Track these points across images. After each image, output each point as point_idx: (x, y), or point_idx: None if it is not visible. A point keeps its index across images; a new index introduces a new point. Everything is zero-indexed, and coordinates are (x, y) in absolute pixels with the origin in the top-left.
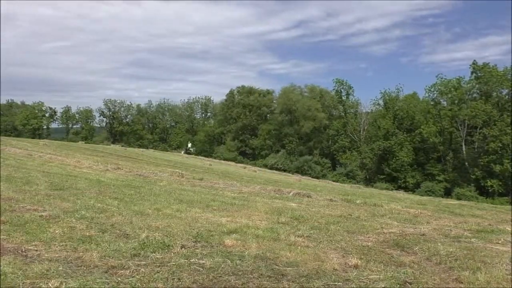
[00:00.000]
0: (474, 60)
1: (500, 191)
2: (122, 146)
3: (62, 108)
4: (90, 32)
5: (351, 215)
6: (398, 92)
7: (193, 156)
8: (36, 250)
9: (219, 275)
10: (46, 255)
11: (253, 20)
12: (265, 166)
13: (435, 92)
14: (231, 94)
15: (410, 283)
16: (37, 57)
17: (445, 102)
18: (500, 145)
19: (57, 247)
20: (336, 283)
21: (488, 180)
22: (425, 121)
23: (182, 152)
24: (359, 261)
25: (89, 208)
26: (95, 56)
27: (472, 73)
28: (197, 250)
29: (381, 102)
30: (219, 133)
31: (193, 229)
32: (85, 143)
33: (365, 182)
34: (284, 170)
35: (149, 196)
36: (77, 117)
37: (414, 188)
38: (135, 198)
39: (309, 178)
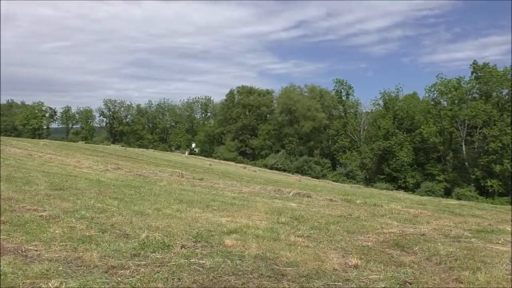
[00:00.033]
0: (475, 60)
1: (500, 191)
2: (122, 146)
3: (62, 108)
4: (90, 32)
5: (351, 215)
6: (398, 92)
7: (193, 156)
8: (36, 250)
9: (219, 275)
10: (46, 255)
11: (253, 20)
12: (265, 166)
13: (435, 92)
14: (231, 94)
15: (410, 283)
16: (37, 57)
17: (445, 102)
18: (500, 145)
19: (57, 247)
20: (336, 283)
21: (488, 180)
22: (425, 121)
23: (186, 153)
24: (359, 261)
25: (89, 208)
26: (95, 56)
27: (472, 73)
28: (197, 250)
29: (381, 102)
30: (219, 133)
31: (193, 229)
32: (85, 143)
33: (365, 182)
34: (284, 170)
35: (149, 196)
36: (77, 117)
37: (414, 188)
38: (135, 198)
39: (309, 178)
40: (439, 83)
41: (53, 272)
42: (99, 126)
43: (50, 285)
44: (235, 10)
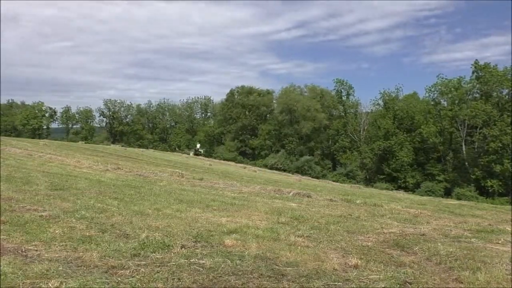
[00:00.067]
0: (476, 60)
1: (500, 191)
2: (122, 146)
3: (62, 108)
4: (93, 33)
5: (351, 215)
6: (397, 92)
7: (197, 156)
8: (36, 250)
9: (219, 275)
10: (46, 255)
11: (255, 20)
12: (265, 166)
13: (435, 92)
14: (231, 94)
15: (410, 283)
16: (40, 57)
17: (445, 102)
18: (500, 145)
19: (57, 247)
20: (336, 283)
21: (488, 180)
22: (425, 121)
23: (191, 154)
24: (359, 261)
25: (89, 208)
26: (98, 56)
27: (473, 72)
28: (197, 250)
29: (381, 102)
30: (219, 133)
31: (193, 229)
32: (85, 143)
33: (365, 182)
34: (284, 170)
35: (149, 196)
36: (77, 117)
37: (414, 188)
38: (135, 198)
39: (309, 178)
40: (440, 83)
41: (53, 272)
42: (99, 126)
43: (50, 285)
44: (237, 10)
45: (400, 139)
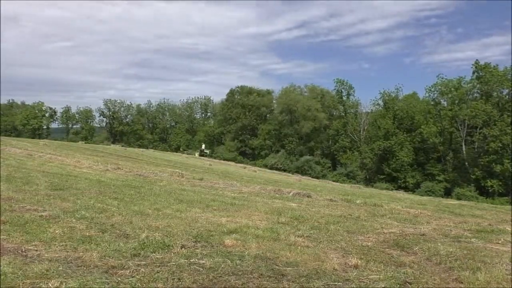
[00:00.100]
0: (477, 60)
1: (500, 191)
2: (122, 146)
3: (62, 108)
4: (94, 33)
5: (351, 215)
6: (397, 92)
7: (198, 157)
8: (36, 250)
9: (219, 275)
10: (46, 255)
11: (256, 20)
12: (265, 166)
13: (435, 92)
14: (231, 94)
15: (410, 283)
16: (41, 57)
17: (445, 102)
18: (500, 145)
19: (57, 247)
20: (336, 283)
21: (488, 180)
22: (425, 121)
23: (196, 154)
24: (359, 261)
25: (89, 208)
26: (99, 56)
27: (473, 72)
28: (197, 250)
29: (381, 102)
30: (219, 133)
31: (193, 229)
32: (85, 143)
33: (365, 182)
34: (284, 170)
35: (149, 196)
36: (77, 117)
37: (414, 188)
38: (135, 198)
39: (309, 178)
40: (440, 83)
41: (53, 272)
42: (99, 126)
43: (50, 285)
44: (237, 10)
45: (400, 139)
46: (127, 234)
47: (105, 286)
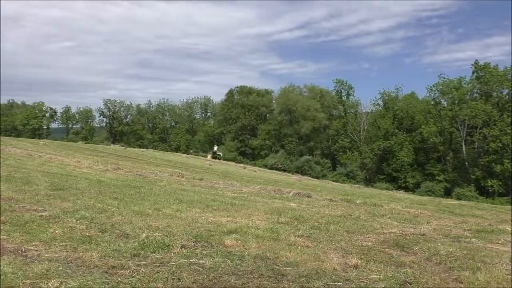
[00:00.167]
0: (476, 60)
1: (500, 191)
2: (122, 146)
3: (62, 108)
4: (95, 33)
5: (351, 215)
6: (397, 92)
7: (210, 159)
8: (36, 250)
9: (219, 275)
10: (46, 255)
11: (257, 21)
12: (265, 166)
13: (436, 91)
14: (230, 94)
15: (410, 283)
16: (42, 57)
17: (445, 102)
18: (500, 145)
19: (57, 247)
20: (336, 283)
21: (488, 180)
22: (425, 121)
23: (208, 156)
24: (359, 261)
25: (89, 208)
26: (100, 56)
27: (473, 72)
28: (197, 250)
29: (380, 102)
30: (219, 133)
31: (193, 229)
32: (85, 143)
33: (365, 182)
34: (284, 170)
35: (149, 196)
36: (77, 117)
37: (414, 188)
38: (135, 198)
39: (309, 178)
40: (441, 82)
41: (53, 272)
42: (99, 126)
43: (50, 285)
44: (238, 11)
45: (400, 139)
46: (127, 234)
47: (105, 286)
